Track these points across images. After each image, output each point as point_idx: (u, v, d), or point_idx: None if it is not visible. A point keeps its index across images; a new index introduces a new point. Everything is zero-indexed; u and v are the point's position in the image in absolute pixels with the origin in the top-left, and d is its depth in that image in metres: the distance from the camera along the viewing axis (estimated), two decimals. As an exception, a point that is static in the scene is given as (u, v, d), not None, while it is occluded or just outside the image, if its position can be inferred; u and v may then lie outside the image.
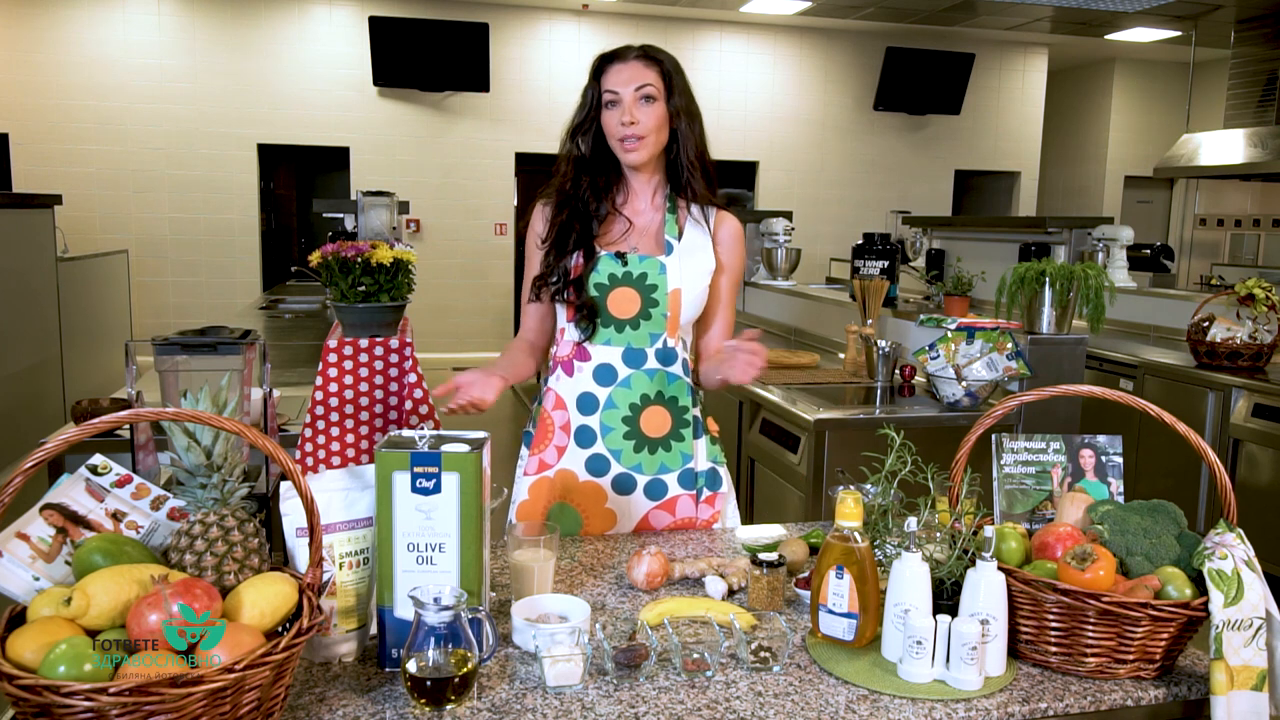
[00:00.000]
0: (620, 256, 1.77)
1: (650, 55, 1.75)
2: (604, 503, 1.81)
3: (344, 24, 8.61)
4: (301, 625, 1.04)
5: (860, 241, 4.35)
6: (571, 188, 1.80)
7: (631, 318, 1.77)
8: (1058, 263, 3.21)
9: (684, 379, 1.82)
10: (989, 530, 1.24)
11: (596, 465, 1.81)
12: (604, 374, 1.79)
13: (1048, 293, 3.17)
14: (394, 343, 2.18)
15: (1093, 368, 4.44)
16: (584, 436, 1.81)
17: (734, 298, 1.91)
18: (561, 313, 1.82)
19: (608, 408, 1.79)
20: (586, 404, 1.80)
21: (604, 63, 1.75)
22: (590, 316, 1.76)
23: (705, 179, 1.81)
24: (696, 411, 1.85)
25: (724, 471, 1.89)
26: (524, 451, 1.90)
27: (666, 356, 1.79)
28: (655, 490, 1.82)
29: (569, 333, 1.81)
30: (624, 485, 1.81)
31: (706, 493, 1.85)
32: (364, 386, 2.17)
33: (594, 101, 1.75)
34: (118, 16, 8.16)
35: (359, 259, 2.14)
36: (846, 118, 9.95)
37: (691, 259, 1.80)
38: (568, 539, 1.74)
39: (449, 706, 1.11)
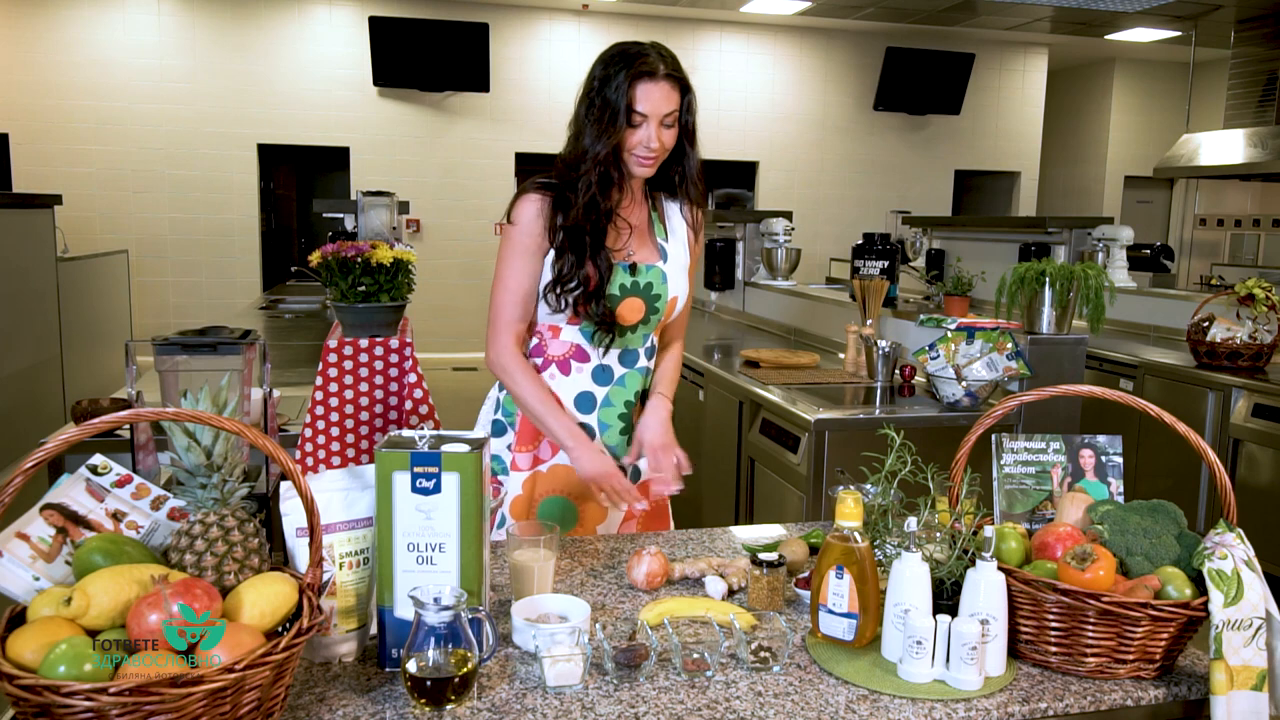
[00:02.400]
0: (631, 268, 1.78)
1: (676, 76, 1.70)
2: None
3: (344, 24, 8.61)
4: (301, 625, 1.04)
5: (860, 241, 4.34)
6: (599, 194, 1.72)
7: (634, 324, 1.81)
8: (1058, 263, 3.21)
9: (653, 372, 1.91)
10: (989, 530, 1.24)
11: None
12: (602, 374, 1.82)
13: (1048, 293, 3.16)
14: (394, 343, 2.18)
15: (1093, 368, 4.44)
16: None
17: (690, 284, 1.93)
18: (559, 315, 1.78)
19: (604, 406, 1.82)
20: (584, 403, 1.82)
21: (637, 77, 1.67)
22: (610, 329, 1.77)
23: (700, 190, 1.84)
24: None
25: None
26: (499, 442, 1.87)
27: (651, 354, 1.88)
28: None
29: (567, 334, 1.80)
30: None
31: None
32: (364, 386, 2.17)
33: (625, 118, 1.67)
34: (118, 17, 8.16)
35: (359, 259, 2.14)
36: (846, 118, 9.94)
37: (679, 263, 1.85)
38: (568, 539, 1.75)
39: (449, 706, 1.11)
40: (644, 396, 1.88)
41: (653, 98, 1.67)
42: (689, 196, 1.83)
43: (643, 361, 1.85)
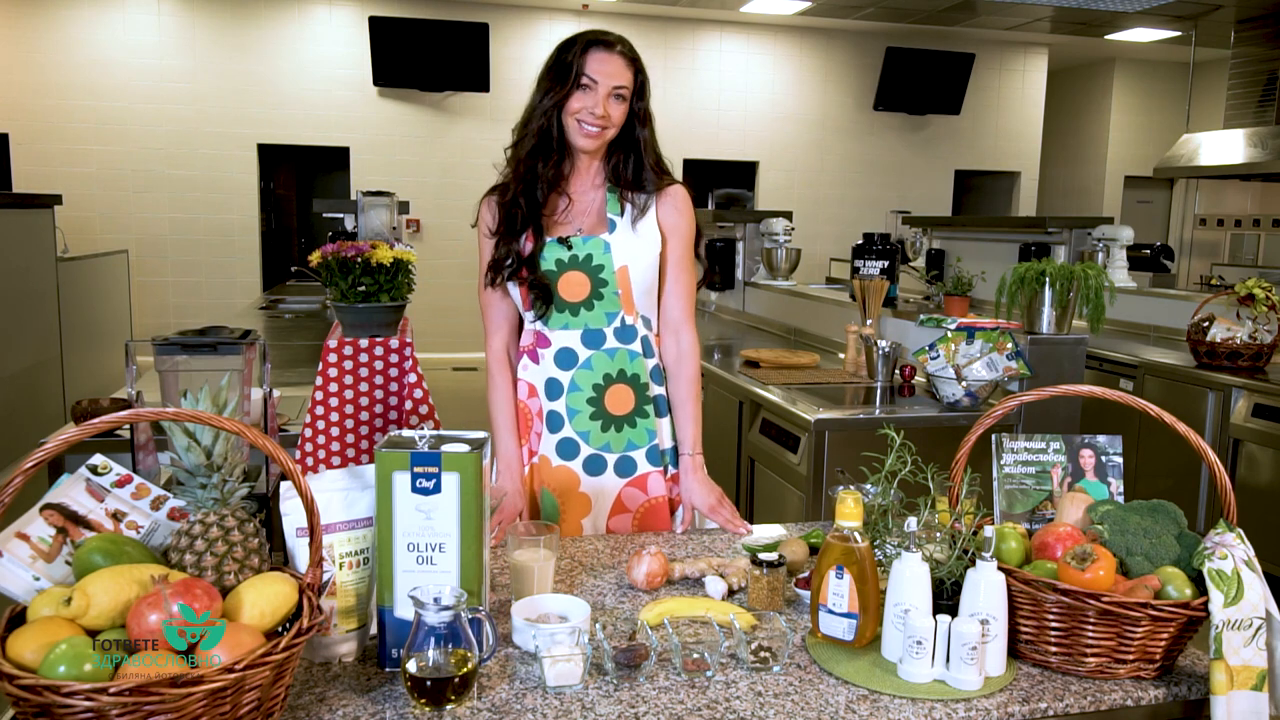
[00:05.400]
0: (564, 241, 1.78)
1: (631, 56, 1.77)
2: (578, 486, 1.84)
3: (344, 24, 8.61)
4: (301, 625, 1.04)
5: (860, 241, 4.34)
6: (529, 160, 1.78)
7: (584, 300, 1.80)
8: (1058, 263, 3.21)
9: (644, 357, 1.84)
10: (989, 530, 1.24)
11: (567, 449, 1.84)
12: (565, 358, 1.81)
13: (1048, 293, 3.16)
14: (394, 343, 2.18)
15: (1093, 368, 4.43)
16: (553, 421, 1.84)
17: (685, 265, 1.88)
18: (520, 300, 1.82)
19: (572, 390, 1.82)
20: (552, 389, 1.83)
21: (590, 45, 1.75)
22: (545, 296, 1.78)
23: (658, 176, 1.84)
24: (661, 390, 1.87)
25: None
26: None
27: (625, 335, 1.82)
28: (624, 467, 1.85)
29: (528, 319, 1.84)
30: (595, 466, 1.84)
31: (672, 470, 1.88)
32: (364, 386, 2.17)
33: (574, 79, 1.74)
34: (118, 17, 8.16)
35: (359, 259, 2.14)
36: (846, 118, 9.94)
37: (636, 235, 1.81)
38: (568, 539, 1.75)
39: (449, 706, 1.11)
40: (631, 380, 1.82)
41: (605, 66, 1.73)
42: (643, 182, 1.82)
43: (612, 342, 1.81)
